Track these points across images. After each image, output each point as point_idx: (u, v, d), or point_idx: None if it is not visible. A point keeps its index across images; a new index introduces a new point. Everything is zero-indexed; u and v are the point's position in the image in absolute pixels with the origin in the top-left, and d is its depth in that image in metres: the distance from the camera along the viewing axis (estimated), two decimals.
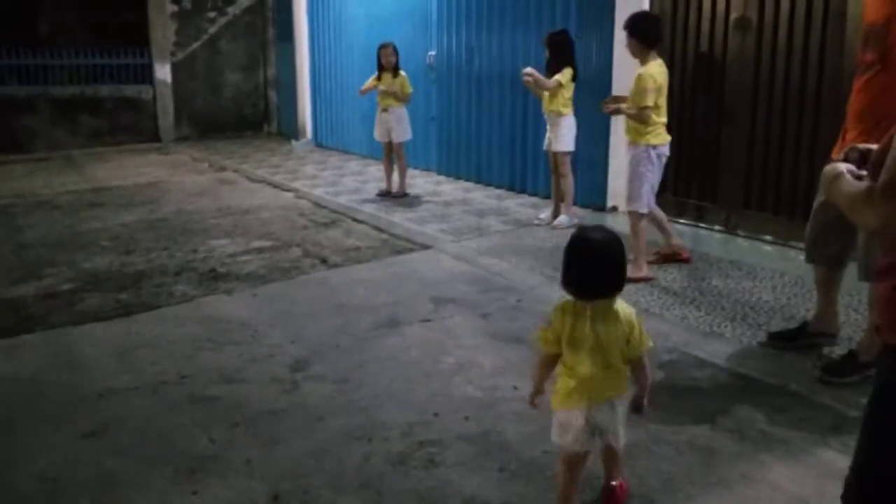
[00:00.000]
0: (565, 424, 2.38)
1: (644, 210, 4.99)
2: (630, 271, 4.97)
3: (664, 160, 5.02)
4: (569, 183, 6.38)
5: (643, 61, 4.94)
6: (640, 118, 4.87)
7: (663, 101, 4.93)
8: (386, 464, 2.85)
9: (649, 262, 5.19)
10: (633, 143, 5.01)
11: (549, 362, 2.45)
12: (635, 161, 4.98)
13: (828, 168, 1.78)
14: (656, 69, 4.89)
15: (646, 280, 4.96)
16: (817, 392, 3.33)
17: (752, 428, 3.05)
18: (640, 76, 4.87)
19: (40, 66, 11.82)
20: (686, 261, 5.26)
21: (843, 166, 1.77)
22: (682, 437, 2.98)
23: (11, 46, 11.52)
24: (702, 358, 3.72)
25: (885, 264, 1.67)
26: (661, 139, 4.96)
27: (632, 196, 5.02)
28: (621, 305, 2.37)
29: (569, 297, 2.36)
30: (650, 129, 4.90)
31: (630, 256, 5.12)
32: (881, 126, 3.18)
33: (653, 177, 4.98)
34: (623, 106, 5.07)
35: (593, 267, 2.31)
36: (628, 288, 4.75)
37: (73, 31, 13.23)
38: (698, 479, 2.73)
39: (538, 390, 2.50)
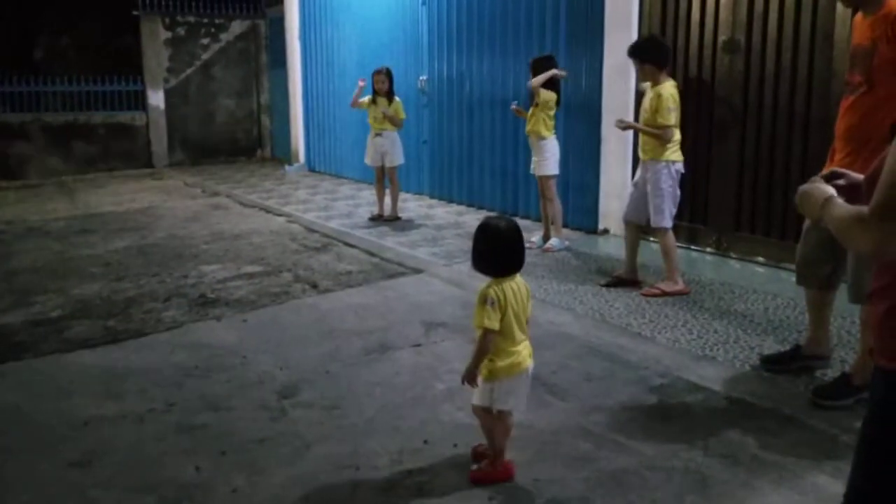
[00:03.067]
0: (512, 391, 2.78)
1: (668, 224, 5.07)
2: (666, 285, 5.05)
3: (679, 176, 5.11)
4: (555, 206, 6.38)
5: (656, 83, 5.04)
6: (662, 137, 4.98)
7: (678, 120, 5.04)
8: (374, 493, 2.80)
9: (605, 286, 5.25)
10: (652, 161, 5.07)
11: (493, 341, 2.72)
12: (656, 178, 5.05)
13: (810, 189, 1.76)
14: (673, 89, 5.03)
15: (682, 293, 5.04)
16: (810, 415, 3.30)
17: (745, 452, 3.01)
18: (662, 96, 4.97)
19: (33, 93, 11.86)
20: (636, 284, 5.28)
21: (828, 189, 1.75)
22: (674, 463, 2.95)
23: (5, 73, 11.56)
24: (694, 382, 3.69)
25: (879, 287, 1.65)
26: (678, 156, 5.09)
27: (655, 212, 5.08)
28: (520, 278, 2.82)
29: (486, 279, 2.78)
30: (670, 146, 5.01)
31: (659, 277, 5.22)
32: (868, 146, 3.20)
33: (673, 192, 5.08)
34: (636, 124, 5.18)
35: (512, 248, 2.79)
36: (626, 306, 4.77)
37: (67, 58, 13.31)
38: None
39: (479, 369, 2.77)
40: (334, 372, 3.93)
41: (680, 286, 5.08)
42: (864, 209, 1.54)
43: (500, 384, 2.76)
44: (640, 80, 5.27)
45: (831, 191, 1.73)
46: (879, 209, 1.48)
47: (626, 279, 5.28)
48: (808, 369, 3.73)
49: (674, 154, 5.05)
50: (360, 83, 7.78)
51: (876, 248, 1.53)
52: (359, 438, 3.21)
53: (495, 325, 2.70)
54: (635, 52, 5.15)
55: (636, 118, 5.71)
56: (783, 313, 4.64)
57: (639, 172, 5.28)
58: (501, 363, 2.74)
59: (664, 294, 5.02)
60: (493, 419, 2.83)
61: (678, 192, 5.11)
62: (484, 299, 2.71)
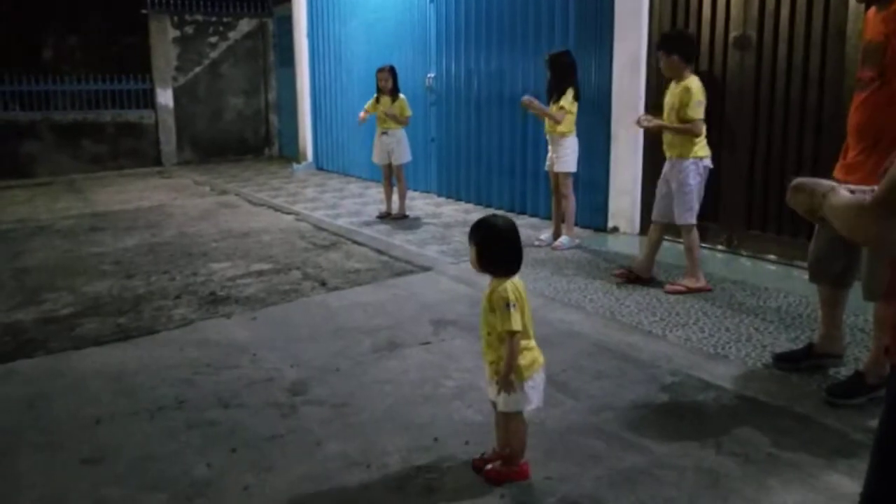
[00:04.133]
0: (536, 387, 2.77)
1: (693, 221, 5.05)
2: (689, 282, 5.02)
3: (707, 173, 5.07)
4: (570, 204, 6.36)
5: (680, 78, 5.00)
6: (693, 131, 4.93)
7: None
8: (384, 490, 2.80)
9: (617, 276, 5.26)
10: (679, 158, 5.02)
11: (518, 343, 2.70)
12: (684, 175, 4.99)
13: (811, 181, 1.76)
14: (699, 83, 4.98)
15: (704, 290, 5.01)
16: (823, 414, 3.28)
17: (758, 451, 2.99)
18: (689, 90, 4.92)
19: (43, 92, 11.90)
20: (649, 282, 5.26)
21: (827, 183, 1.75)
22: (686, 462, 2.93)
23: (14, 73, 11.60)
24: (706, 380, 3.67)
25: (895, 285, 1.64)
26: (706, 151, 5.03)
27: (683, 209, 5.04)
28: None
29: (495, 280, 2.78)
30: (698, 141, 4.96)
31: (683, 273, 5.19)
32: (881, 143, 3.18)
33: (700, 189, 5.04)
34: (663, 122, 5.11)
35: (516, 247, 2.83)
36: (637, 304, 4.75)
37: (75, 57, 13.37)
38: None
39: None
40: (344, 369, 3.92)
41: (702, 283, 5.05)
42: (865, 199, 1.54)
43: (527, 384, 2.75)
44: (663, 73, 5.18)
45: (835, 184, 1.74)
46: (879, 203, 1.48)
47: (639, 276, 5.26)
48: (821, 367, 3.71)
49: (702, 150, 4.99)
50: (362, 116, 7.82)
51: (870, 239, 1.53)
52: (369, 436, 3.20)
53: (520, 327, 2.68)
54: (664, 43, 5.08)
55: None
56: (795, 311, 4.61)
57: (665, 168, 5.18)
58: (524, 362, 2.73)
59: (688, 290, 4.99)
60: (519, 421, 2.81)
61: (703, 190, 5.07)
62: (506, 303, 2.67)
